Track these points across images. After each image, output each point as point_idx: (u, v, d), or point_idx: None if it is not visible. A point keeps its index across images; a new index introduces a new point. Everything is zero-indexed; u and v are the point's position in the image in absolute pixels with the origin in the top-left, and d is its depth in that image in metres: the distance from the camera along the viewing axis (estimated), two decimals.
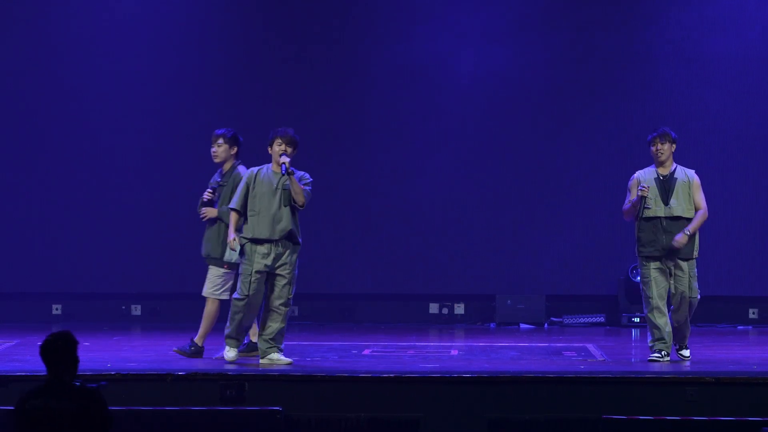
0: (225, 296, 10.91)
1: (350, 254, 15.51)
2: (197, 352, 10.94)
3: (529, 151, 15.61)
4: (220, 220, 10.92)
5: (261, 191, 10.49)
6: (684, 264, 10.80)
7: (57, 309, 15.80)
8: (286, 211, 10.49)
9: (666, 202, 10.82)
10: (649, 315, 10.88)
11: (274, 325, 10.45)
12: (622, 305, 15.32)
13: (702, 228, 11.02)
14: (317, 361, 11.07)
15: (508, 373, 9.82)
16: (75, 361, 6.44)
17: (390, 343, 13.03)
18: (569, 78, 15.57)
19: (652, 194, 10.86)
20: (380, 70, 15.62)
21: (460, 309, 15.78)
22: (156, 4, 15.67)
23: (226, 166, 11.13)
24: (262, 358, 10.53)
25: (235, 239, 10.40)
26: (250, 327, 10.67)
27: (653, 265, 10.83)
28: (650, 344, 10.93)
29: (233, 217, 10.53)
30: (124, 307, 15.74)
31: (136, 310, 15.76)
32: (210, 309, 10.94)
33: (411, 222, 15.64)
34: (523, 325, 15.36)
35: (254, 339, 10.89)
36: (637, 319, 14.98)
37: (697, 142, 15.19)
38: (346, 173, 15.54)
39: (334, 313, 15.61)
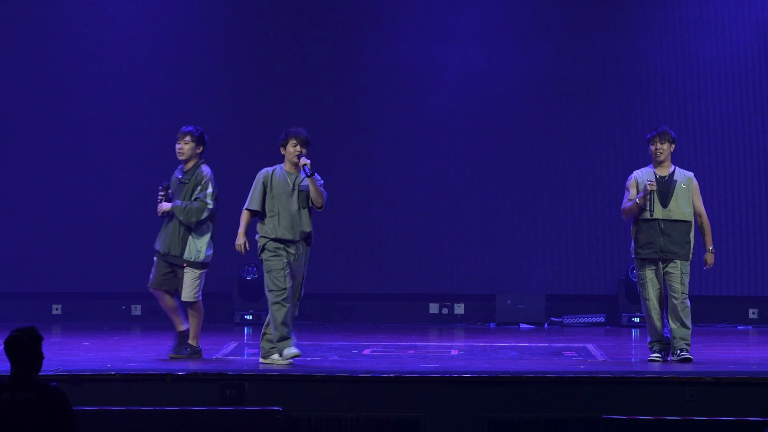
0: (199, 295, 10.88)
1: (350, 254, 15.52)
2: (195, 352, 10.93)
3: (529, 152, 15.62)
4: (174, 217, 10.80)
5: (278, 192, 10.43)
6: (678, 263, 10.77)
7: (57, 309, 15.80)
8: (305, 213, 10.47)
9: (665, 205, 10.76)
10: (647, 316, 10.87)
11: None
12: (622, 305, 15.33)
13: (697, 226, 10.98)
14: (317, 361, 11.07)
15: (508, 373, 9.81)
16: (40, 356, 6.44)
17: (390, 343, 13.03)
18: (569, 79, 15.59)
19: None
20: (379, 70, 15.63)
21: (460, 309, 15.78)
22: (155, 5, 15.67)
23: (190, 164, 10.97)
24: (264, 358, 10.52)
25: (244, 243, 10.33)
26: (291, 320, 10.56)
27: (649, 266, 10.80)
28: (649, 345, 10.94)
29: (246, 217, 10.44)
30: (124, 307, 15.74)
31: (136, 310, 15.76)
32: (195, 309, 10.90)
33: (411, 222, 15.65)
34: (523, 325, 15.36)
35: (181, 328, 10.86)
36: (637, 319, 14.98)
37: (697, 142, 15.19)
38: (346, 173, 15.53)
39: (334, 313, 15.61)
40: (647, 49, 15.53)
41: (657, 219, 10.75)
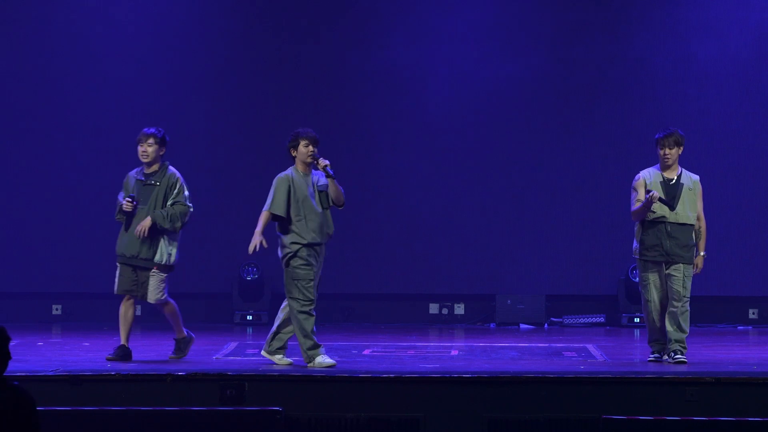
0: (166, 294, 10.84)
1: (350, 254, 15.51)
2: (187, 342, 10.92)
3: (529, 152, 15.62)
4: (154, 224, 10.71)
5: (302, 196, 10.26)
6: (681, 266, 10.75)
7: (57, 309, 15.80)
8: (328, 214, 10.40)
9: (672, 208, 10.72)
10: (647, 317, 10.87)
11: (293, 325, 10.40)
12: (622, 305, 15.33)
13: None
14: None
15: (508, 373, 9.82)
16: (8, 356, 6.42)
17: (390, 343, 13.03)
18: (569, 79, 15.59)
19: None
20: (379, 71, 15.63)
21: (460, 309, 15.78)
22: (154, 6, 15.67)
23: (154, 167, 10.84)
24: (268, 353, 10.47)
25: (261, 241, 10.14)
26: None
27: (652, 269, 10.78)
28: (650, 344, 10.95)
29: (266, 218, 10.25)
30: None
31: (136, 310, 15.71)
32: (168, 306, 10.84)
33: (411, 222, 15.65)
34: (523, 325, 15.37)
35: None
36: (637, 319, 14.98)
37: (697, 142, 15.18)
38: (346, 173, 15.48)
39: (334, 313, 15.61)
40: (647, 50, 15.52)
41: (664, 221, 10.70)
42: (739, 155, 15.50)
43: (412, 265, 15.66)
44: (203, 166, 15.56)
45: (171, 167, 10.86)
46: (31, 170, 15.63)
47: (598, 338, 13.88)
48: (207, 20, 15.74)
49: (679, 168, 10.88)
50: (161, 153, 10.86)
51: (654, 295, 10.77)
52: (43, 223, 15.60)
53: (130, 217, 10.70)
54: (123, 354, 10.75)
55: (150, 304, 10.87)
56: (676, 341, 10.73)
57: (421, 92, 15.62)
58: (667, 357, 10.76)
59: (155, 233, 10.64)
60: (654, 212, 10.69)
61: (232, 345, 12.66)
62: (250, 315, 15.43)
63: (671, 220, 10.71)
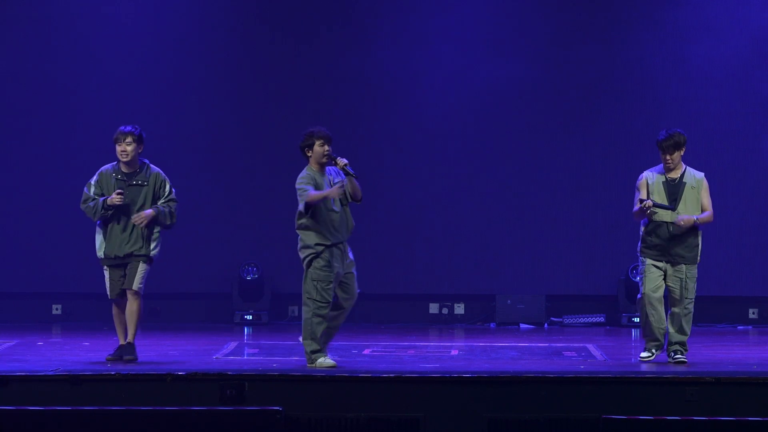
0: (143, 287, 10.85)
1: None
2: (131, 351, 10.82)
3: (529, 152, 15.62)
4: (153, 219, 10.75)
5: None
6: (684, 267, 10.74)
7: (57, 309, 15.80)
8: (347, 210, 10.40)
9: (673, 209, 10.69)
10: (640, 312, 10.82)
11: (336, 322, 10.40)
12: (622, 305, 15.33)
13: (703, 229, 10.96)
14: None
15: (508, 373, 9.82)
16: None
17: (390, 343, 13.03)
18: (568, 79, 15.58)
19: (659, 199, 10.71)
20: (379, 71, 15.63)
21: (460, 309, 15.78)
22: (154, 6, 15.67)
23: (134, 166, 10.82)
24: (311, 363, 10.31)
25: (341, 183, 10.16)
26: None
27: (653, 263, 10.76)
28: (643, 338, 10.93)
29: (318, 194, 10.08)
30: None
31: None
32: (138, 304, 10.78)
33: (411, 222, 15.65)
34: (523, 325, 15.37)
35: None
36: (637, 319, 14.96)
37: (697, 142, 15.17)
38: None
39: None
40: (647, 50, 15.52)
41: (666, 222, 10.69)
42: (739, 155, 15.50)
43: (412, 265, 15.65)
44: (203, 166, 15.57)
45: (153, 166, 10.86)
46: (31, 170, 15.63)
47: (598, 338, 13.88)
48: (207, 20, 15.74)
49: (683, 166, 10.85)
50: (140, 151, 10.82)
51: (648, 288, 10.66)
52: (43, 223, 15.59)
53: (112, 218, 10.68)
54: (123, 353, 10.74)
55: (142, 304, 10.81)
56: (676, 342, 10.74)
57: (421, 92, 15.62)
58: (667, 358, 10.76)
59: (147, 230, 10.67)
60: (656, 212, 10.68)
61: (232, 345, 12.66)
62: (250, 315, 15.43)
63: (673, 221, 10.69)
